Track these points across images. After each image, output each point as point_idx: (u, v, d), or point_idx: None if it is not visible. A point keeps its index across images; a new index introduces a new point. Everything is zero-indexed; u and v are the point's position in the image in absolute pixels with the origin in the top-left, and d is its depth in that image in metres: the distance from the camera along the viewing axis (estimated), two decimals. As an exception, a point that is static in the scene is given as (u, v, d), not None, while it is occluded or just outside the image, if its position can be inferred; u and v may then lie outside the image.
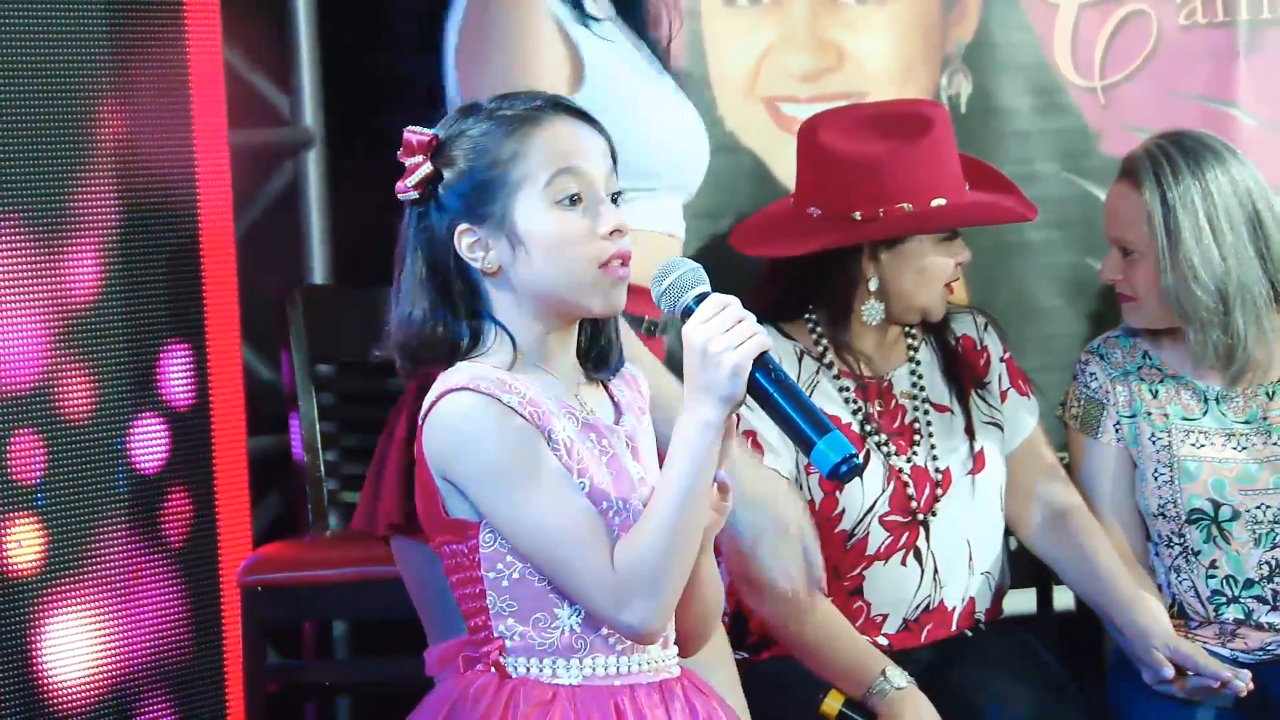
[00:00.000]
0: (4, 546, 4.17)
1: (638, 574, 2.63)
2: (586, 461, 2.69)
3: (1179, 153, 4.02)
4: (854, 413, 3.93)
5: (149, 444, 4.44)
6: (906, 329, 4.01)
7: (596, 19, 3.39)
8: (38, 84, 4.27)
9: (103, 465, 4.36)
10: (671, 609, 2.69)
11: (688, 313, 2.62)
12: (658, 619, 2.66)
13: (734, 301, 2.62)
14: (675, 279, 2.67)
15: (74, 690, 4.29)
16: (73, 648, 4.27)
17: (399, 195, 2.73)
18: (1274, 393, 4.07)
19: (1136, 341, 4.12)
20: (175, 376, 4.48)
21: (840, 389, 3.94)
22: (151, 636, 4.40)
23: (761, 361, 2.59)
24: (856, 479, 3.80)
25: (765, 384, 2.62)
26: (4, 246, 4.19)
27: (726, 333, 2.59)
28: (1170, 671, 3.87)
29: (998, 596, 4.00)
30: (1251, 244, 4.01)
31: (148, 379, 4.44)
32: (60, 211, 4.28)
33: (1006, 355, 4.05)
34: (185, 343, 4.51)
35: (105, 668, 4.32)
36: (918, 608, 3.94)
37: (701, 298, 2.63)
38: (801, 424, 2.64)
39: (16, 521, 4.21)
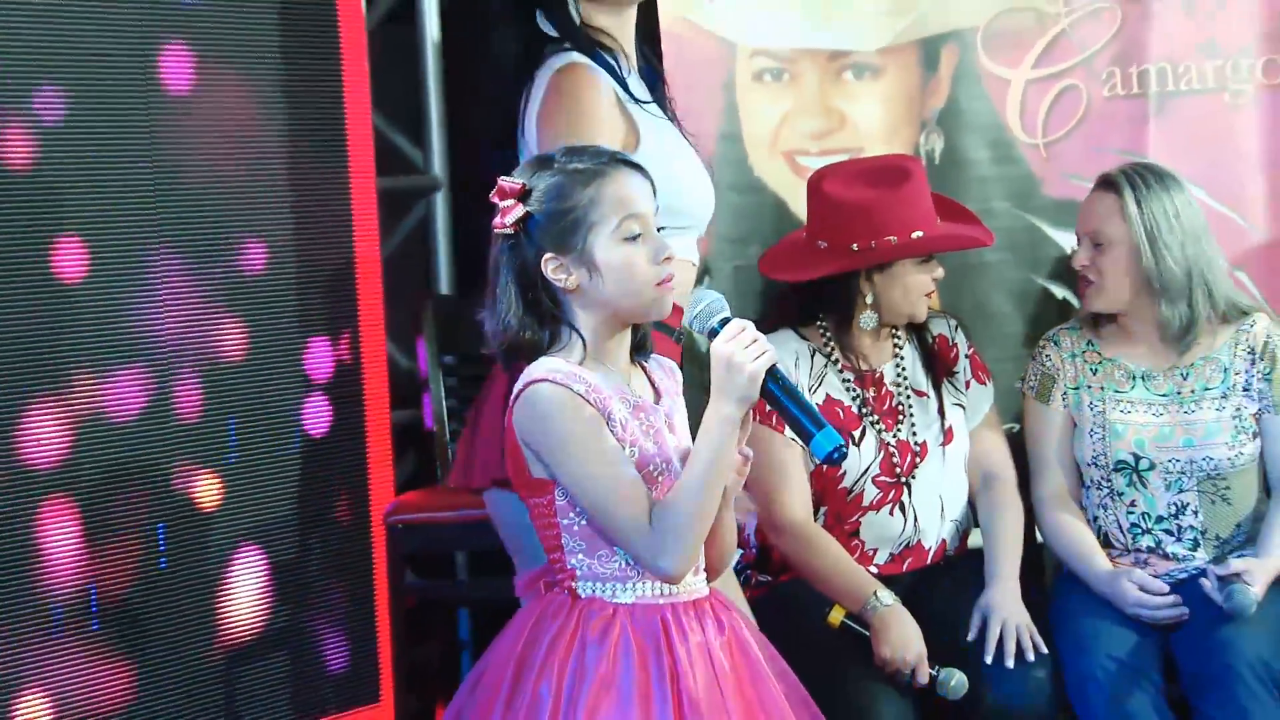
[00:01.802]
0: (201, 492, 4.20)
1: (668, 533, 2.74)
2: (635, 434, 2.82)
3: (1150, 171, 4.13)
4: (853, 398, 4.06)
5: (317, 415, 4.48)
6: (893, 331, 4.12)
7: (643, 100, 3.49)
8: (237, 144, 4.28)
9: (283, 431, 4.41)
10: (694, 558, 2.81)
11: (713, 333, 2.80)
12: (682, 567, 2.78)
13: (749, 325, 2.78)
14: (705, 307, 2.84)
15: (256, 604, 4.33)
16: (257, 573, 4.33)
17: (495, 230, 2.85)
18: (1187, 374, 4.12)
19: (1082, 332, 4.22)
20: (338, 365, 4.49)
21: (843, 380, 4.06)
22: (319, 562, 4.47)
23: (771, 371, 2.76)
24: (854, 449, 3.99)
25: (774, 389, 2.78)
26: (219, 268, 4.23)
27: (745, 349, 2.74)
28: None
29: (963, 536, 4.17)
30: (1207, 246, 4.10)
31: (320, 368, 4.47)
32: (250, 242, 4.31)
33: (971, 351, 4.20)
34: (345, 339, 4.52)
35: (284, 587, 4.39)
36: (901, 545, 4.08)
37: (724, 321, 2.80)
38: (802, 420, 2.79)
39: (214, 474, 4.24)
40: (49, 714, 3.95)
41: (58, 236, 3.98)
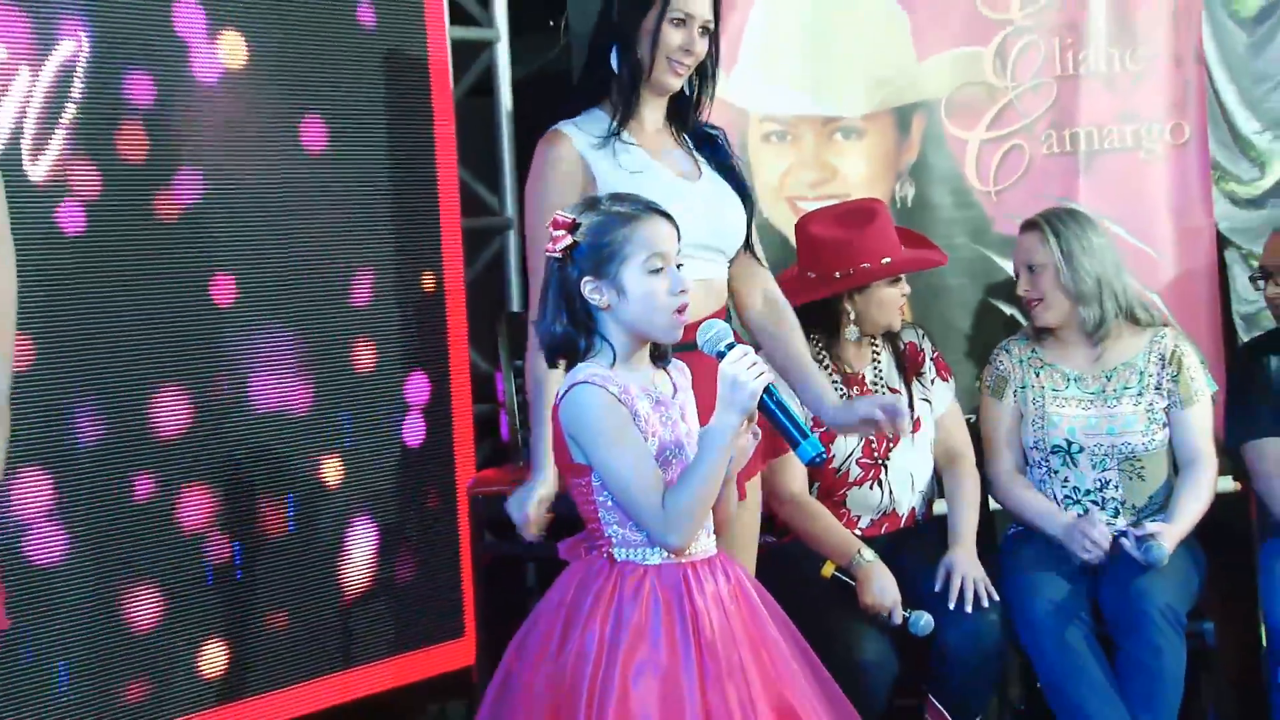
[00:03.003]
0: (324, 472, 4.21)
1: (675, 516, 2.72)
2: (656, 426, 2.80)
3: (1062, 211, 4.18)
4: (841, 396, 3.94)
5: (415, 408, 4.44)
6: (872, 339, 4.07)
7: (637, 151, 3.41)
8: (354, 194, 4.29)
9: (391, 422, 4.39)
10: (696, 534, 2.79)
11: (720, 355, 2.77)
12: (686, 542, 2.77)
13: (750, 350, 2.76)
14: (714, 334, 2.82)
15: (367, 560, 4.32)
16: (368, 535, 4.31)
17: (548, 255, 2.84)
18: (1110, 376, 4.11)
19: (1028, 342, 4.20)
20: (432, 369, 4.48)
21: (832, 380, 3.98)
22: (416, 526, 4.45)
23: (768, 389, 2.74)
24: (842, 437, 3.91)
25: (770, 404, 2.76)
26: (338, 294, 4.24)
27: (748, 370, 2.71)
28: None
29: (929, 505, 4.15)
30: (1113, 264, 4.09)
31: (417, 369, 4.44)
32: (362, 272, 4.31)
33: (935, 355, 4.16)
34: (437, 349, 4.50)
35: (388, 546, 4.37)
36: (879, 513, 4.05)
37: (730, 346, 2.78)
38: (791, 431, 2.79)
39: (334, 457, 4.24)
40: (223, 653, 3.99)
41: (217, 272, 3.99)
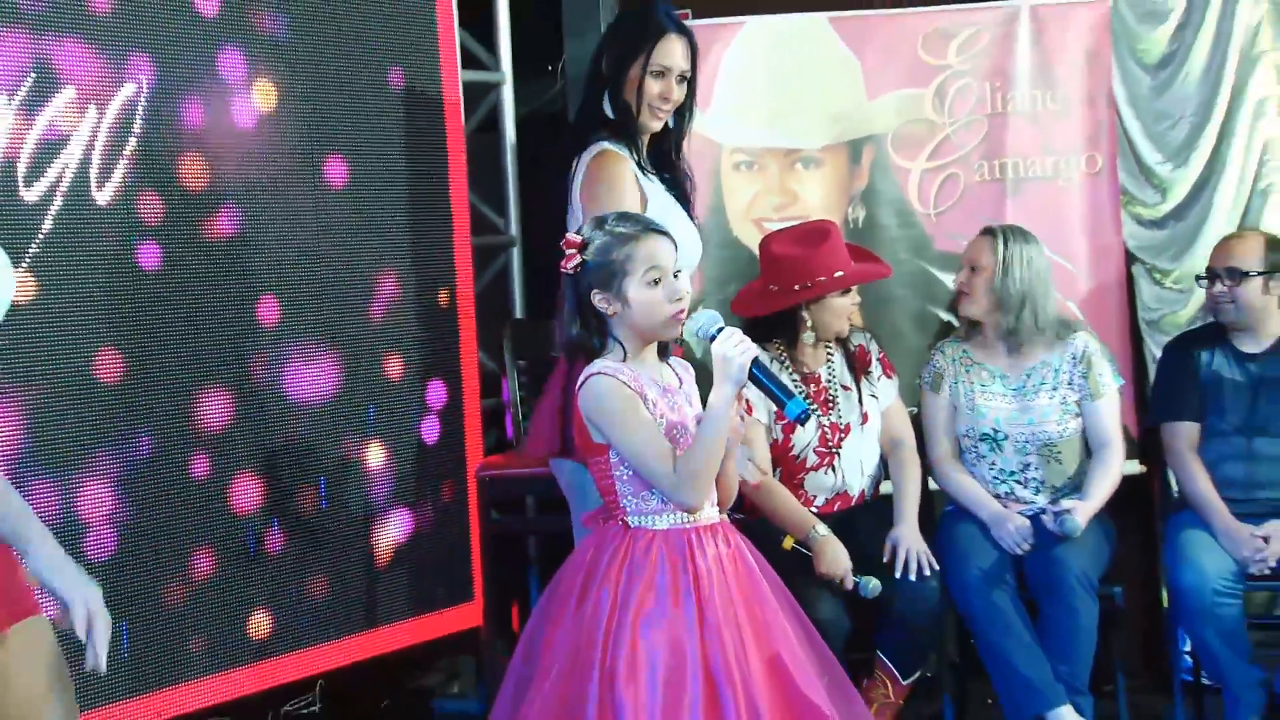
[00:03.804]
0: (355, 462, 4.21)
1: (686, 476, 2.75)
2: (664, 410, 2.81)
3: (1018, 229, 4.14)
4: (801, 394, 3.97)
5: (434, 403, 4.45)
6: (827, 343, 4.06)
7: (651, 175, 3.45)
8: (377, 218, 4.28)
9: (412, 413, 4.39)
10: (706, 493, 2.80)
11: (711, 339, 2.80)
12: (699, 499, 2.78)
13: (737, 330, 2.79)
14: (703, 322, 2.84)
15: (389, 533, 4.30)
16: (396, 519, 4.31)
17: (562, 269, 2.85)
18: (1030, 374, 4.09)
19: (960, 344, 4.19)
20: (445, 368, 4.48)
21: (792, 379, 4.00)
22: (432, 504, 4.44)
23: (755, 361, 2.77)
24: (799, 427, 3.87)
25: (758, 373, 2.78)
26: (366, 305, 4.23)
27: (735, 346, 2.75)
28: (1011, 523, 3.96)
29: (876, 486, 4.12)
30: (1043, 285, 4.07)
31: (433, 370, 4.45)
32: (386, 283, 4.28)
33: (881, 356, 4.15)
34: (449, 350, 4.50)
35: (410, 525, 4.36)
36: (833, 493, 4.04)
37: (720, 329, 2.81)
38: (778, 393, 2.82)
39: (363, 448, 4.24)
40: (240, 619, 3.97)
41: (263, 294, 4.00)
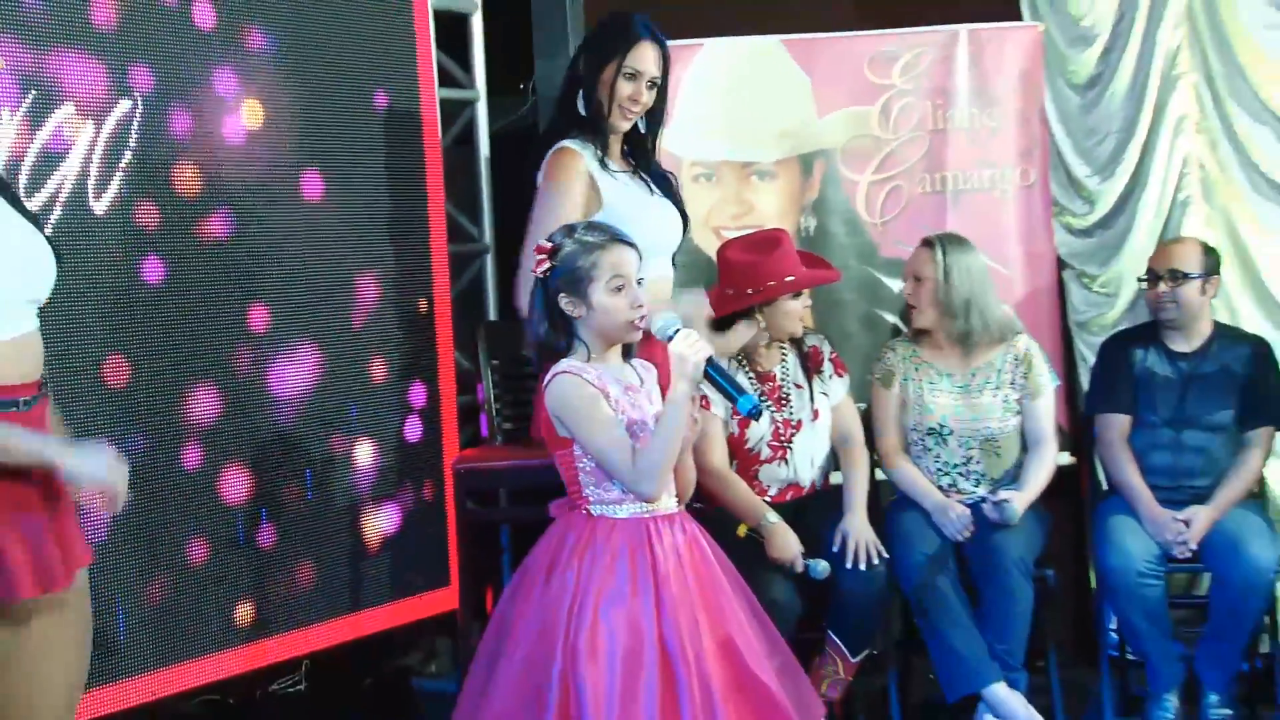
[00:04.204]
0: (351, 454, 4.17)
1: (644, 470, 2.75)
2: (625, 406, 2.82)
3: (954, 237, 4.17)
4: (756, 391, 4.00)
5: (416, 400, 4.42)
6: (781, 344, 4.06)
7: (616, 173, 3.46)
8: (357, 226, 4.23)
9: (393, 411, 4.35)
10: (664, 485, 2.81)
11: (670, 338, 2.80)
12: (656, 490, 2.78)
13: (694, 332, 2.80)
14: (663, 323, 2.84)
15: (373, 522, 4.28)
16: (378, 510, 4.28)
17: (534, 273, 2.87)
18: (975, 374, 4.11)
19: (910, 344, 4.20)
20: (424, 368, 4.45)
21: (748, 377, 4.02)
22: (412, 495, 4.41)
23: (710, 360, 2.78)
24: (754, 422, 3.91)
25: (711, 371, 2.79)
26: (348, 310, 4.19)
27: (690, 346, 2.76)
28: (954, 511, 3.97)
29: (825, 477, 4.13)
30: (984, 288, 4.10)
31: (415, 371, 4.42)
32: (368, 288, 4.26)
33: (833, 355, 4.13)
34: (428, 351, 4.47)
35: (390, 510, 4.33)
36: (786, 484, 4.05)
37: (677, 330, 2.81)
38: (730, 390, 2.82)
39: (358, 436, 4.19)
40: (230, 603, 3.93)
41: (252, 303, 3.97)
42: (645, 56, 3.48)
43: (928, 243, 4.15)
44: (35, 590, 2.38)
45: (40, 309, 2.51)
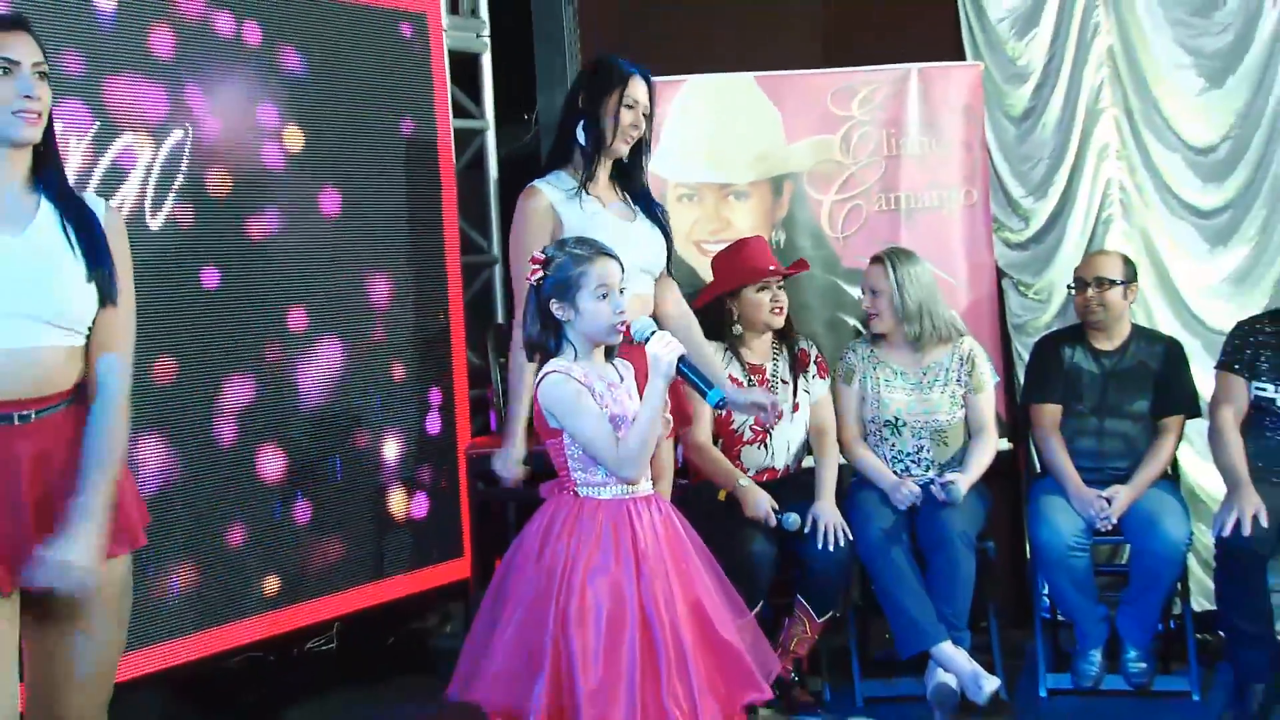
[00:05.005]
0: (376, 441, 4.16)
1: (626, 456, 2.72)
2: (609, 401, 2.78)
3: (901, 251, 4.14)
4: (746, 380, 3.98)
5: (434, 393, 4.42)
6: (774, 344, 4.04)
7: (591, 197, 3.39)
8: (379, 240, 4.23)
9: (415, 403, 4.35)
10: (643, 470, 2.78)
11: (646, 340, 2.78)
12: (638, 474, 2.76)
13: (668, 334, 2.77)
14: (640, 326, 2.82)
15: (396, 501, 4.26)
16: (396, 484, 4.27)
17: (528, 280, 2.81)
18: (926, 372, 4.09)
19: (869, 345, 4.16)
20: (440, 366, 4.44)
21: (741, 368, 4.01)
22: (430, 475, 4.39)
23: (682, 359, 2.75)
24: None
25: (684, 368, 2.76)
26: (371, 313, 4.18)
27: (665, 347, 2.73)
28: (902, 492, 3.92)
29: (799, 462, 4.11)
30: (931, 293, 4.08)
31: (431, 366, 4.40)
32: (385, 294, 4.24)
33: (819, 359, 4.12)
34: (443, 350, 4.47)
35: (411, 491, 4.31)
36: (764, 467, 4.05)
37: (653, 332, 2.79)
38: (700, 384, 2.78)
39: (382, 425, 4.19)
40: (268, 572, 3.94)
41: (292, 287, 3.96)
42: (640, 89, 3.47)
43: (878, 259, 4.12)
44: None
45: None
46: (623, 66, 3.48)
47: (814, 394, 4.12)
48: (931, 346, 4.09)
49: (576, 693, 2.58)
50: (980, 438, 4.11)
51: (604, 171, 3.50)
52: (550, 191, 3.41)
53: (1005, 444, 4.40)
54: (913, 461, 4.13)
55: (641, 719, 2.60)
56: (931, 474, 4.09)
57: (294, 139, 4.01)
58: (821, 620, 3.96)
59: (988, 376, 4.15)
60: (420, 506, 4.40)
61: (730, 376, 3.95)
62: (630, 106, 3.44)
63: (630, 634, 2.64)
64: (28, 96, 2.27)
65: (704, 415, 3.93)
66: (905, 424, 4.11)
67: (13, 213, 2.30)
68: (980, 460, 4.07)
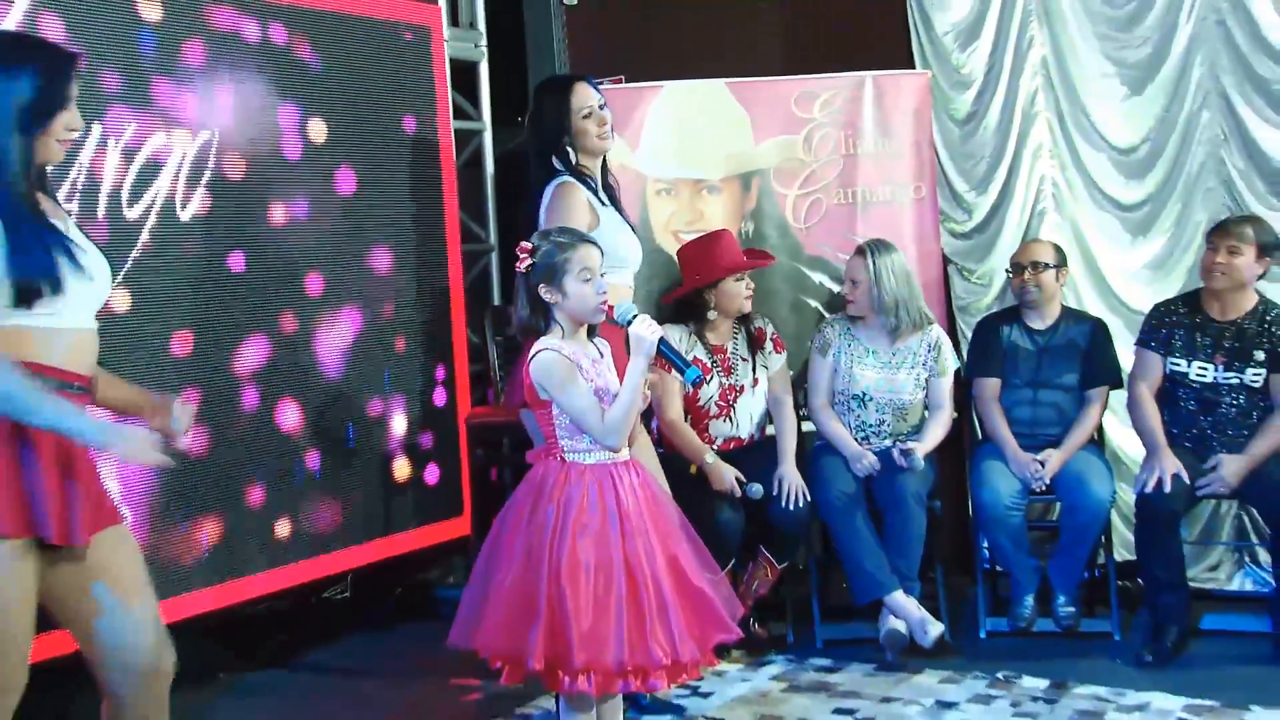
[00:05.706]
0: (385, 410, 4.12)
1: (611, 427, 2.69)
2: (593, 376, 2.75)
3: (881, 243, 4.08)
4: (710, 359, 3.97)
5: (440, 370, 4.42)
6: (733, 323, 4.02)
7: (603, 202, 3.37)
8: (388, 227, 4.22)
9: (418, 377, 4.34)
10: (625, 439, 2.74)
11: (628, 323, 2.74)
12: (620, 442, 2.72)
13: (648, 316, 2.74)
14: (622, 310, 2.76)
15: (402, 466, 4.25)
16: (402, 450, 4.23)
17: (518, 269, 2.79)
18: (895, 353, 4.06)
19: (844, 323, 4.12)
20: (443, 344, 4.43)
21: (705, 349, 3.99)
22: (434, 441, 4.37)
23: (662, 340, 2.71)
24: (705, 386, 3.93)
25: (663, 349, 2.73)
26: (380, 294, 4.16)
27: (647, 329, 2.69)
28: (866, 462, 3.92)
29: (761, 430, 4.08)
30: (907, 284, 4.04)
31: (436, 347, 4.40)
32: (395, 278, 4.25)
33: (774, 335, 4.09)
34: (444, 330, 4.45)
35: (416, 457, 4.30)
36: (730, 437, 4.02)
37: (635, 316, 2.74)
38: (678, 363, 2.78)
39: (391, 395, 4.20)
40: (289, 528, 3.93)
41: (308, 272, 3.96)
42: (585, 92, 3.34)
43: (860, 251, 4.07)
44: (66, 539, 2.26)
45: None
46: (561, 79, 3.39)
47: (771, 368, 4.09)
48: (904, 332, 4.07)
49: (570, 638, 2.59)
50: (937, 414, 4.10)
51: (598, 173, 3.44)
52: (583, 187, 3.33)
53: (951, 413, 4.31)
54: (874, 433, 4.12)
55: (629, 659, 2.60)
56: (891, 443, 4.07)
57: (313, 136, 4.00)
58: (781, 566, 3.98)
59: (950, 362, 4.13)
60: (426, 470, 4.39)
61: (694, 359, 3.94)
62: (587, 115, 3.33)
63: (617, 584, 2.64)
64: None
65: (674, 393, 3.91)
66: (871, 399, 4.08)
67: None
68: (936, 433, 4.07)
